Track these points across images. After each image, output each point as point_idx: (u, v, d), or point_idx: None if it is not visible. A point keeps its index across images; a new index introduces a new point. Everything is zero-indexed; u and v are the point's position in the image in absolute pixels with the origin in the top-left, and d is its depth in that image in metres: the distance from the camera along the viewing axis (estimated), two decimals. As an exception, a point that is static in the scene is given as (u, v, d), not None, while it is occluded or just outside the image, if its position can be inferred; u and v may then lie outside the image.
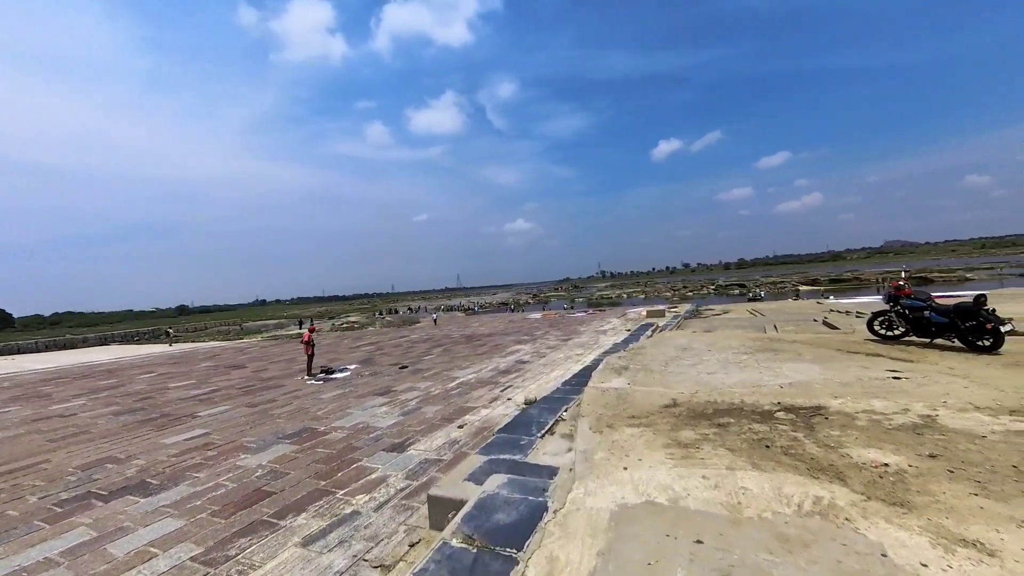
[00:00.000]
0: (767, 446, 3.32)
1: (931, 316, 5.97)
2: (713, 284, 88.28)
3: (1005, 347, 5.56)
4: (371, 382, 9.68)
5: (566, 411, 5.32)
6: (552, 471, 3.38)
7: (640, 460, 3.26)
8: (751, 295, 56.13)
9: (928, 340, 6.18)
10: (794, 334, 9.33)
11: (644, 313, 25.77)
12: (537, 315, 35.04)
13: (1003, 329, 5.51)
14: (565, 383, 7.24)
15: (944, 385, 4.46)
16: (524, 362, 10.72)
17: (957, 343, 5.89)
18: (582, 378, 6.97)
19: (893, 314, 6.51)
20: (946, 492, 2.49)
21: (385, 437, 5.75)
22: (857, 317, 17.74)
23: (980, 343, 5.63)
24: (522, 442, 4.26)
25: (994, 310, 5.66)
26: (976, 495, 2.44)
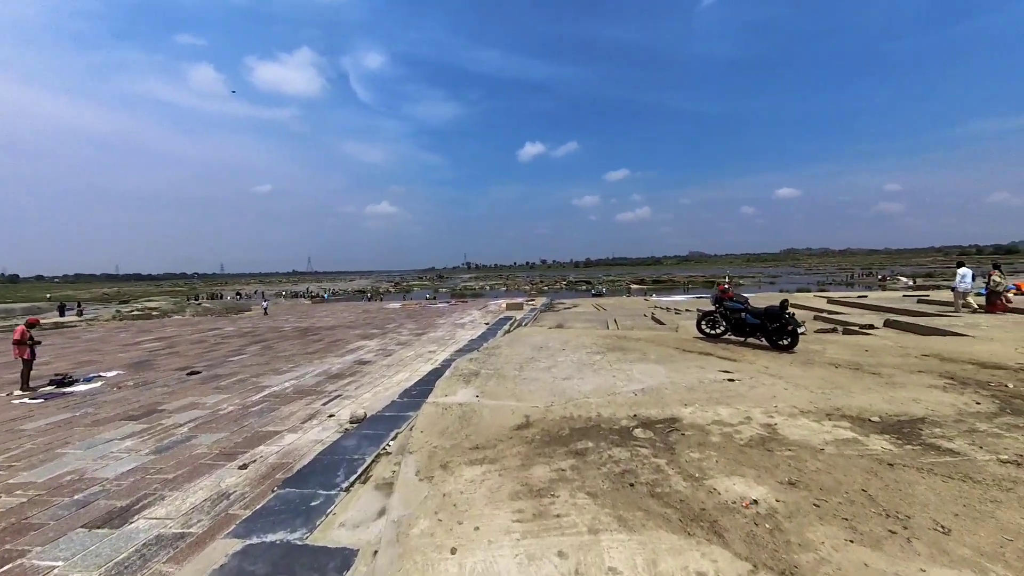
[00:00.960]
0: (631, 484, 2.68)
1: (746, 318, 6.61)
2: (565, 280, 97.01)
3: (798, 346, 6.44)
4: (128, 398, 6.84)
5: (394, 438, 4.11)
6: (343, 565, 2.15)
7: (477, 530, 2.26)
8: (595, 291, 63.10)
9: (743, 339, 6.88)
10: (636, 332, 9.80)
11: (504, 306, 26.04)
12: (396, 304, 32.71)
13: (800, 331, 6.31)
14: (406, 392, 6.01)
15: (769, 387, 4.65)
16: (365, 362, 9.07)
17: (763, 341, 6.62)
18: (426, 386, 5.83)
19: (718, 314, 7.10)
20: (824, 542, 2.08)
21: (103, 497, 3.66)
22: (676, 313, 20.69)
23: (781, 342, 6.38)
24: (315, 502, 2.91)
25: (793, 314, 6.49)
26: (852, 542, 2.08)
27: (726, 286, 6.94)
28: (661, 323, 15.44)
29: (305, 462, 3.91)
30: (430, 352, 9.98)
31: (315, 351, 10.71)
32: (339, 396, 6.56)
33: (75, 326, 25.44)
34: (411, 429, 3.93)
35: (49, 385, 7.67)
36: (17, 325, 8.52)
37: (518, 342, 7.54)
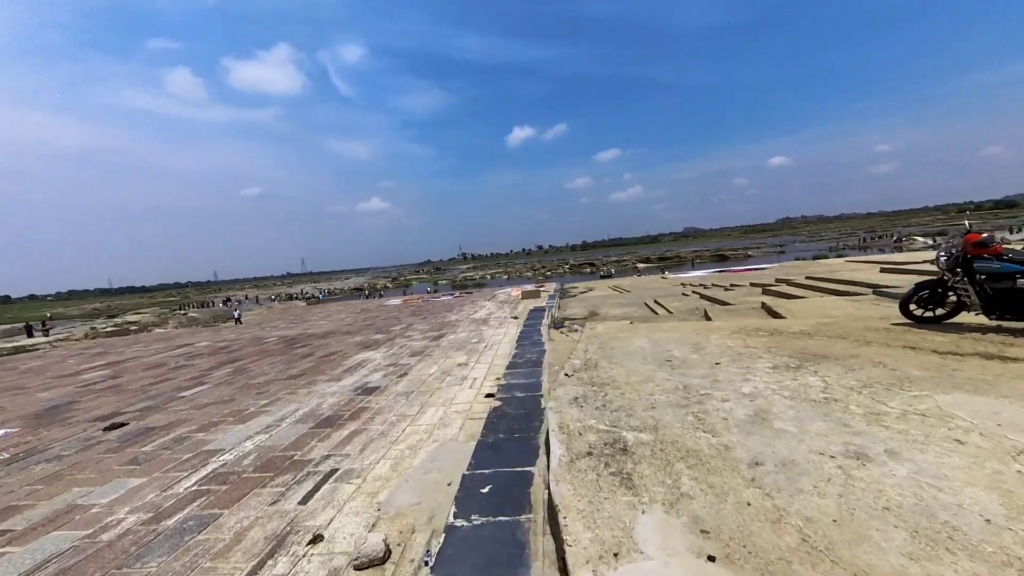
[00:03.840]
0: None
1: None
2: (567, 264, 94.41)
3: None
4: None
5: None
6: None
7: None
8: (603, 273, 60.59)
9: (1000, 322, 4.16)
10: (750, 320, 7.00)
11: (518, 294, 23.26)
12: (397, 300, 29.88)
13: None
14: (466, 470, 3.20)
15: None
16: (370, 390, 6.27)
17: None
18: (489, 449, 3.05)
19: (954, 285, 4.33)
20: None
21: None
22: (728, 290, 17.98)
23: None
24: None
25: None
26: None
27: (990, 236, 4.15)
28: (726, 303, 12.69)
29: None
30: (459, 366, 7.16)
31: (301, 372, 7.88)
32: (332, 473, 3.75)
33: (36, 349, 22.45)
34: None
35: None
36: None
37: (616, 353, 4.77)
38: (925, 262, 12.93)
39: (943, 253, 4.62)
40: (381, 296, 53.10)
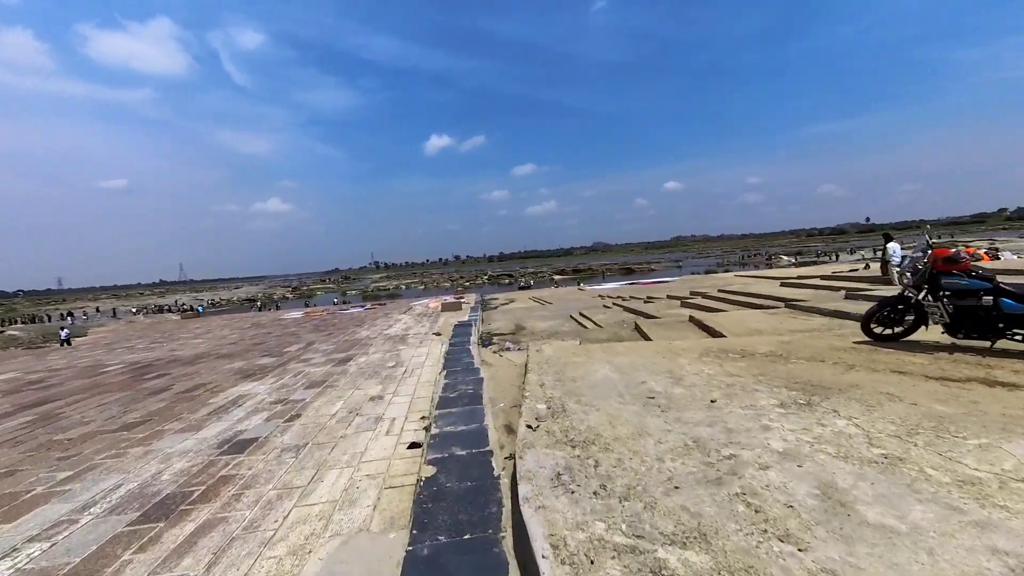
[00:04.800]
0: None
1: (1005, 304, 3.71)
2: (485, 274, 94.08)
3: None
4: None
5: None
6: None
7: None
8: (521, 284, 61.17)
9: (956, 339, 4.03)
10: (756, 340, 6.63)
11: (437, 306, 21.73)
12: (297, 313, 26.32)
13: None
14: (373, 572, 1.91)
15: None
16: (245, 444, 4.54)
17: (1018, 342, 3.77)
18: (430, 564, 1.83)
19: (917, 302, 4.14)
20: None
21: None
22: (647, 302, 18.47)
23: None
24: None
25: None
26: None
27: (957, 251, 3.98)
28: (652, 316, 12.72)
29: None
30: (372, 401, 5.69)
31: (143, 419, 5.72)
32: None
33: None
34: None
35: None
36: None
37: (581, 388, 3.81)
38: (815, 277, 14.27)
39: (908, 270, 4.55)
40: (278, 308, 47.20)
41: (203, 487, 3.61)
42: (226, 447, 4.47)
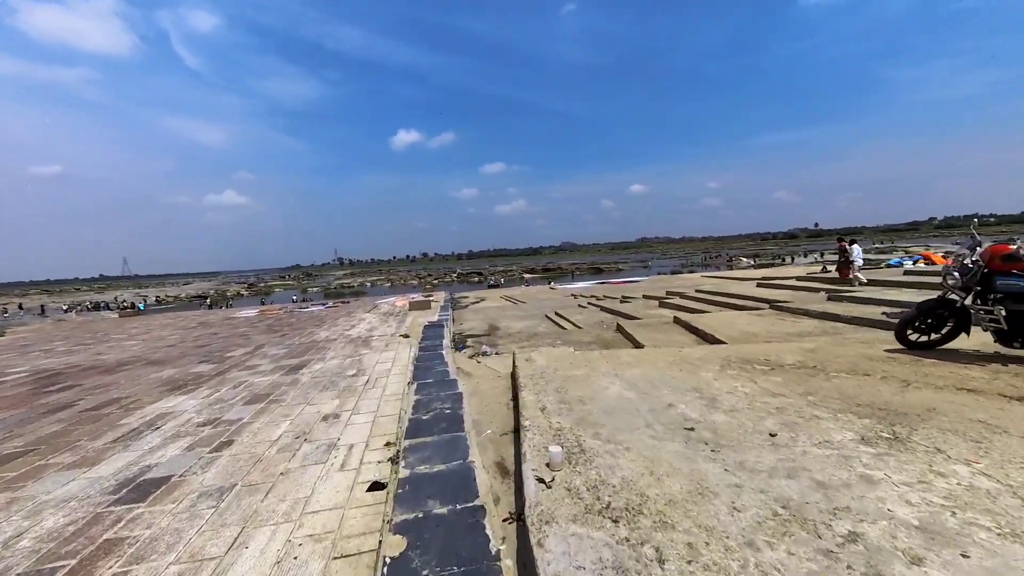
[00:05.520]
0: None
1: None
2: (454, 272, 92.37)
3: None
4: None
5: None
6: None
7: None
8: (491, 282, 60.30)
9: (1011, 349, 3.58)
10: (777, 347, 6.06)
11: (404, 304, 20.54)
12: (251, 312, 24.29)
13: None
14: None
15: None
16: (152, 486, 3.49)
17: None
18: None
19: (980, 305, 3.63)
20: None
21: None
22: (623, 302, 18.09)
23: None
24: None
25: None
26: None
27: (1017, 248, 3.49)
28: (633, 316, 12.24)
29: None
30: (326, 421, 4.73)
31: (24, 449, 4.49)
32: None
33: None
34: None
35: None
36: None
37: (593, 413, 3.05)
38: (790, 277, 14.24)
39: (955, 269, 4.07)
40: (230, 306, 44.04)
41: (73, 560, 2.59)
42: (124, 492, 3.41)
